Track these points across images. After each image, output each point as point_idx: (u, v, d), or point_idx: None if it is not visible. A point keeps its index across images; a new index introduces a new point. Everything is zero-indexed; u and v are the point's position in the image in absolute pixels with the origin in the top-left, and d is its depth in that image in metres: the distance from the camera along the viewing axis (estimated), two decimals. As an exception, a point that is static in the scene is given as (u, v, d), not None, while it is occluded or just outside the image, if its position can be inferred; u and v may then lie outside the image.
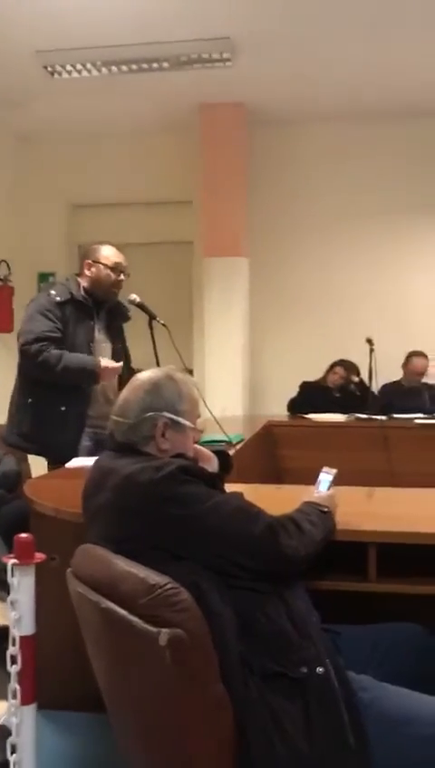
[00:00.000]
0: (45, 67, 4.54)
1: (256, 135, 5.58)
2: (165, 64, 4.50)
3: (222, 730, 1.41)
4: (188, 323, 5.65)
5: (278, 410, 5.29)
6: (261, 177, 5.67)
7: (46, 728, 2.03)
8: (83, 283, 3.33)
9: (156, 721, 1.46)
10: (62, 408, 3.19)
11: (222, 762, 1.42)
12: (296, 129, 5.68)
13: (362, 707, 1.47)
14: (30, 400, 3.25)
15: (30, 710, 1.67)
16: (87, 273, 3.33)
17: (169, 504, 1.58)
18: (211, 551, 1.57)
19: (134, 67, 4.53)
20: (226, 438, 3.13)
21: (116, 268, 3.31)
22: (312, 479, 2.00)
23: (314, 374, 5.38)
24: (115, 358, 3.34)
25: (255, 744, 1.41)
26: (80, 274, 3.38)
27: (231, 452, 2.62)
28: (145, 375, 1.84)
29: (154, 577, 1.42)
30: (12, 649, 1.65)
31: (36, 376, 3.20)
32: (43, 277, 5.94)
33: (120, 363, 3.24)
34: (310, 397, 5.26)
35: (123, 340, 3.52)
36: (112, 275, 3.30)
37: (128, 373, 3.05)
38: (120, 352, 3.44)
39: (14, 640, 1.65)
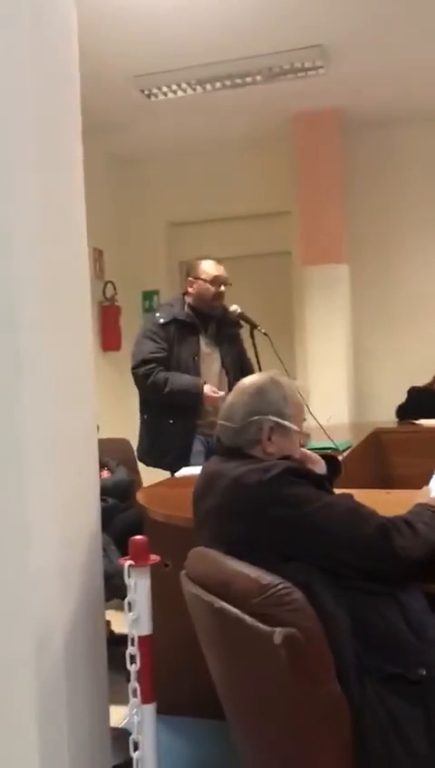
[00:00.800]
0: (142, 90, 4.68)
1: (352, 140, 5.53)
2: (258, 77, 4.55)
3: (340, 731, 1.40)
4: (289, 333, 5.65)
5: (387, 417, 5.19)
6: (359, 182, 5.61)
7: (164, 733, 2.07)
8: (190, 300, 3.44)
9: (272, 722, 1.47)
10: (171, 422, 3.34)
11: (340, 763, 1.40)
12: (394, 130, 5.58)
13: None
14: (145, 417, 3.48)
15: (150, 709, 1.72)
16: (190, 290, 3.46)
17: (278, 505, 1.59)
18: (322, 551, 1.57)
19: (228, 83, 4.60)
20: (333, 446, 3.10)
21: (215, 281, 3.40)
22: (422, 486, 1.96)
23: (423, 379, 5.24)
24: (226, 367, 3.47)
25: (372, 745, 1.39)
26: (186, 293, 3.49)
27: (339, 459, 2.60)
28: (249, 379, 1.87)
29: (266, 577, 1.43)
30: (130, 649, 1.70)
31: (148, 397, 3.39)
32: (148, 295, 6.10)
33: (223, 393, 3.29)
34: (419, 402, 5.13)
35: (241, 348, 3.60)
36: (212, 288, 3.40)
37: None
38: (236, 360, 3.53)
39: (132, 640, 1.70)
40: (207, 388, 3.28)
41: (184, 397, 3.28)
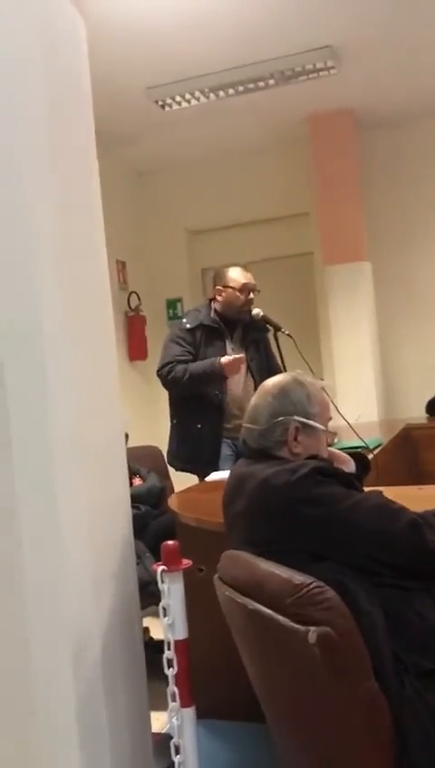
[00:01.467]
0: (156, 102, 4.72)
1: (368, 138, 5.52)
2: (271, 81, 4.56)
3: (379, 730, 1.40)
4: (314, 333, 5.64)
5: (417, 413, 5.16)
6: (377, 179, 5.59)
7: (204, 737, 2.08)
8: (217, 307, 3.48)
9: (311, 722, 1.47)
10: (199, 426, 3.37)
11: (381, 762, 1.40)
12: (409, 127, 5.56)
13: None
14: (174, 421, 3.52)
15: (189, 712, 1.73)
16: (219, 298, 3.50)
17: (307, 505, 1.59)
18: (354, 550, 1.57)
19: (241, 89, 4.63)
20: (363, 444, 3.09)
21: (244, 288, 3.44)
22: (455, 482, 1.95)
23: (453, 373, 5.21)
24: (252, 371, 3.49)
25: (413, 743, 1.38)
26: (213, 299, 3.53)
27: (369, 457, 2.59)
28: (272, 381, 1.87)
29: (298, 576, 1.43)
30: (167, 653, 1.72)
31: (176, 395, 3.45)
32: (171, 303, 6.14)
33: (242, 355, 3.38)
34: (450, 396, 5.10)
35: (268, 353, 3.62)
36: (242, 296, 3.43)
37: None
38: (263, 364, 3.55)
39: (168, 645, 1.72)
40: (225, 358, 3.31)
41: (206, 377, 3.32)
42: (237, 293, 3.43)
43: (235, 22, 3.84)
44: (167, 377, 3.36)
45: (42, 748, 1.68)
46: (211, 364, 3.31)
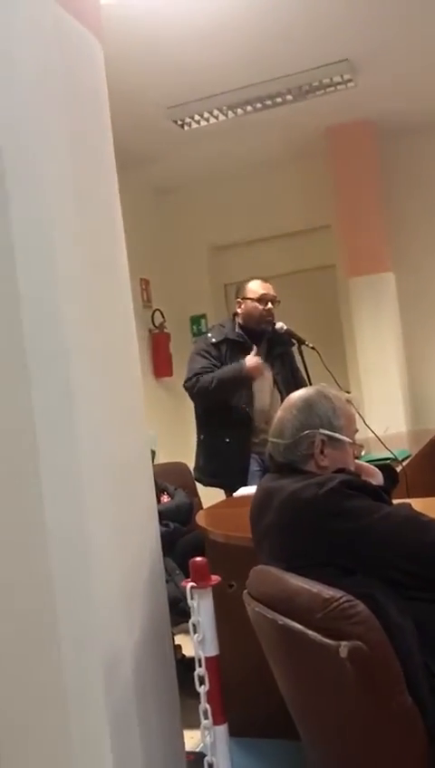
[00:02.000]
0: (175, 121, 4.77)
1: (388, 148, 5.51)
2: (288, 97, 4.59)
3: (414, 744, 1.38)
4: (340, 345, 5.62)
5: (446, 423, 5.11)
6: (398, 190, 5.57)
7: (238, 755, 2.06)
8: (240, 320, 3.52)
9: (345, 738, 1.45)
10: (227, 440, 3.38)
11: (418, 777, 1.38)
12: (429, 135, 5.53)
13: None
14: (202, 437, 3.53)
15: (222, 730, 1.72)
16: (239, 310, 3.54)
17: (335, 518, 1.58)
18: (383, 562, 1.55)
19: (259, 105, 4.66)
20: (391, 456, 3.07)
21: (262, 299, 3.46)
22: None
23: None
24: (278, 385, 3.49)
25: (450, 757, 1.37)
26: (236, 313, 3.56)
27: (398, 468, 2.57)
28: (297, 394, 1.87)
29: (328, 591, 1.42)
30: (199, 670, 1.71)
31: (204, 406, 3.47)
32: (195, 320, 6.17)
33: (261, 361, 3.39)
34: None
35: (293, 366, 3.62)
36: (260, 306, 3.45)
37: None
38: (289, 378, 3.55)
39: (199, 661, 1.71)
40: (250, 360, 3.33)
41: (233, 381, 3.34)
42: (256, 304, 3.46)
43: (251, 39, 3.88)
44: (193, 388, 3.38)
45: (73, 765, 1.68)
46: (237, 367, 3.34)
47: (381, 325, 5.29)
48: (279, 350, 3.57)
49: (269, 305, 3.47)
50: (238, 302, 3.54)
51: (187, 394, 3.48)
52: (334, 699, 1.42)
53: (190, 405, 3.57)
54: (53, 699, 1.69)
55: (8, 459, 1.70)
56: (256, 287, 3.50)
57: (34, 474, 1.68)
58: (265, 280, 3.57)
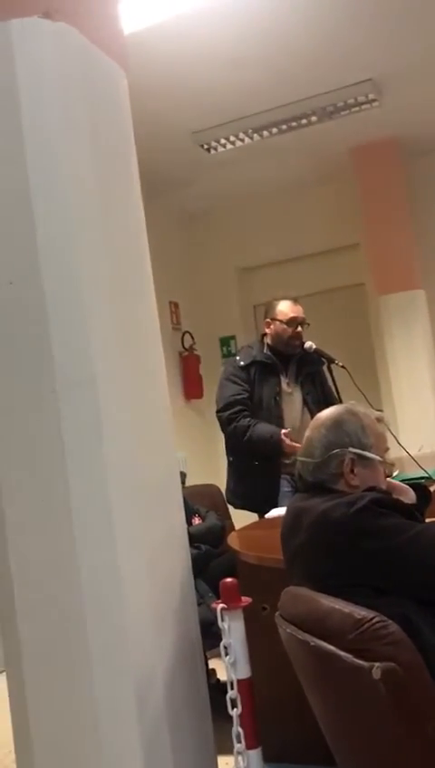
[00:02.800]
0: (201, 145, 4.83)
1: (414, 165, 5.50)
2: (313, 118, 4.62)
3: (453, 769, 1.34)
4: (371, 364, 5.58)
5: None
6: (425, 206, 5.55)
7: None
8: (267, 340, 3.49)
9: (380, 761, 1.42)
10: (256, 463, 3.35)
11: (457, 804, 1.34)
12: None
13: None
14: (231, 459, 3.50)
15: (255, 754, 1.69)
16: (267, 330, 3.49)
17: (366, 538, 1.56)
18: (416, 582, 1.53)
19: (284, 127, 4.70)
20: (425, 474, 3.03)
21: (292, 322, 3.41)
22: None
23: None
24: (309, 406, 3.45)
25: None
26: (265, 334, 3.53)
27: (432, 488, 2.54)
28: (325, 413, 1.85)
29: (360, 611, 1.40)
30: (231, 693, 1.69)
31: (230, 441, 3.43)
32: (225, 341, 6.19)
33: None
34: None
35: (324, 386, 3.57)
36: (289, 329, 3.41)
37: None
38: (320, 398, 3.51)
39: (231, 684, 1.69)
40: (287, 440, 3.23)
41: (263, 446, 3.29)
42: (285, 326, 3.40)
43: (275, 62, 3.93)
44: (229, 425, 3.34)
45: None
46: (273, 434, 3.26)
47: (413, 342, 5.24)
48: (308, 369, 3.54)
49: (299, 328, 3.44)
50: (267, 322, 3.49)
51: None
52: (368, 722, 1.40)
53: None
54: (85, 724, 1.68)
55: (38, 484, 1.72)
56: (286, 309, 3.44)
57: (64, 497, 1.69)
58: (295, 300, 3.51)
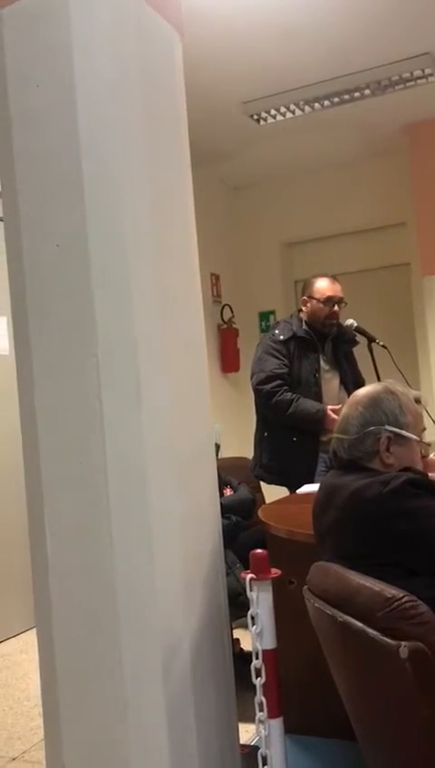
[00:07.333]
0: (251, 116, 4.77)
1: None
2: (366, 91, 4.52)
3: (475, 751, 1.34)
4: (412, 345, 5.51)
5: None
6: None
7: (294, 753, 2.05)
8: (304, 317, 3.45)
9: (403, 741, 1.42)
10: (294, 439, 3.33)
11: None
12: None
13: None
14: (266, 434, 3.45)
15: (277, 723, 1.71)
16: (304, 308, 3.45)
17: (399, 518, 1.55)
18: (448, 564, 1.52)
19: (336, 100, 4.61)
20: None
21: (329, 301, 3.37)
22: None
23: None
24: (346, 384, 3.43)
25: None
26: (300, 310, 3.49)
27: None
28: (363, 390, 1.84)
29: (390, 590, 1.40)
30: (255, 662, 1.71)
31: (269, 415, 3.38)
32: (264, 316, 6.15)
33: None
34: None
35: (354, 366, 3.55)
36: (326, 308, 3.37)
37: None
38: (351, 378, 3.49)
39: (256, 654, 1.71)
40: (332, 415, 3.20)
41: (305, 422, 3.27)
42: (321, 305, 3.36)
43: (329, 33, 3.84)
44: (270, 398, 3.29)
45: (130, 749, 1.71)
46: (318, 412, 3.25)
47: (456, 324, 5.16)
48: (344, 348, 3.51)
49: (335, 308, 3.39)
50: (304, 299, 3.45)
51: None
52: (393, 700, 1.40)
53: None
54: (111, 684, 1.72)
55: (75, 447, 1.74)
56: (323, 288, 3.39)
57: (101, 461, 1.71)
58: (333, 278, 3.45)
